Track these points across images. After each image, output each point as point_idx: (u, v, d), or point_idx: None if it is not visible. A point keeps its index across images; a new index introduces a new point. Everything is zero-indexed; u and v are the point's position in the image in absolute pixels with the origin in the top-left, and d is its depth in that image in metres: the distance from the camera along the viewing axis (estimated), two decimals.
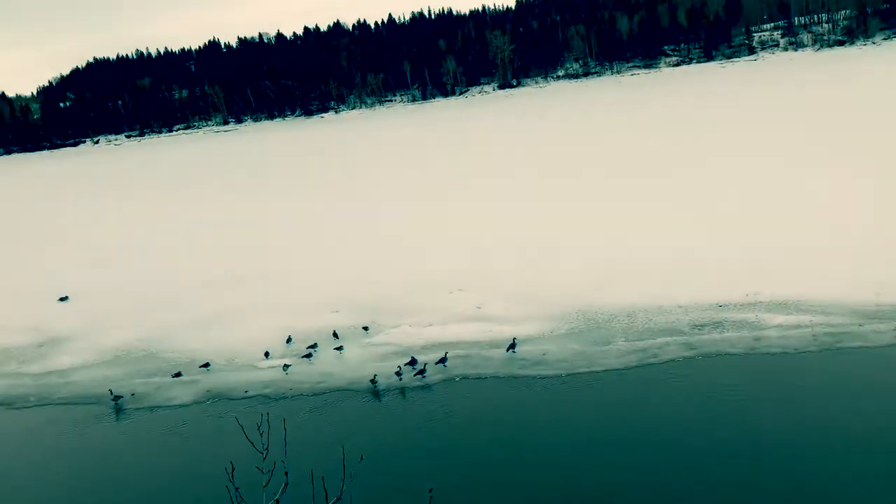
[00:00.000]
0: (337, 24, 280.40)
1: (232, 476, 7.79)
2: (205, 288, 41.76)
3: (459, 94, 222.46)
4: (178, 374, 30.95)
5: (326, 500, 7.53)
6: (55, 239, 63.55)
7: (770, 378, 25.12)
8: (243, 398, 28.21)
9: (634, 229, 43.49)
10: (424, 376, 28.33)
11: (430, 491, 8.49)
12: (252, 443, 8.09)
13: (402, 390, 27.72)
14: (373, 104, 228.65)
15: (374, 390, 27.86)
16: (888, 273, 31.87)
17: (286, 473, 7.88)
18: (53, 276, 48.40)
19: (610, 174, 62.04)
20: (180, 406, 28.57)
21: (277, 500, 7.74)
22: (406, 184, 70.78)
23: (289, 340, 32.95)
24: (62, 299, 42.66)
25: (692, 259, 36.80)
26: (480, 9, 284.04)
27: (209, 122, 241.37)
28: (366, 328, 33.55)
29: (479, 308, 34.28)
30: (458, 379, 28.06)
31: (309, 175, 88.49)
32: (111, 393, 29.58)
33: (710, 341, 28.31)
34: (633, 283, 34.58)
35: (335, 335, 32.85)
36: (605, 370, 27.21)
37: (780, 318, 29.34)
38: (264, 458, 7.85)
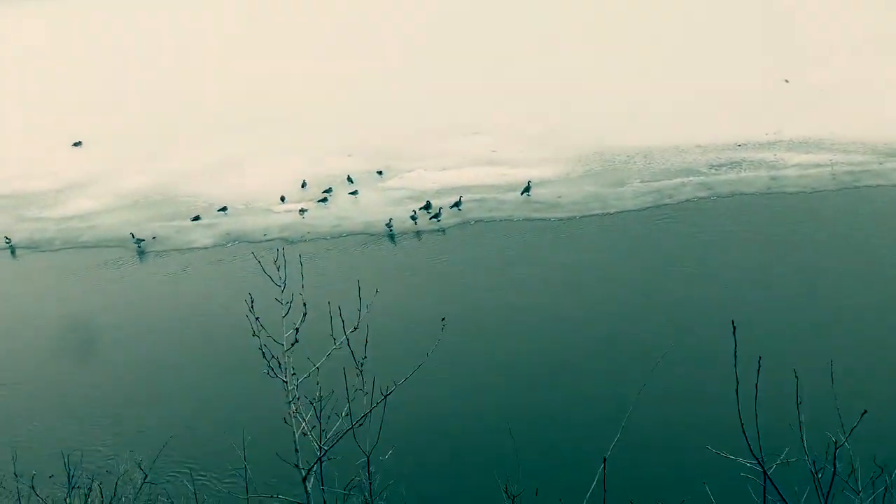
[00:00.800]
0: None
1: (252, 306, 7.95)
2: (217, 131, 41.40)
3: None
4: (196, 218, 31.43)
5: (344, 328, 7.72)
6: (61, 79, 62.56)
7: (786, 216, 25.11)
8: (262, 241, 28.78)
9: (655, 68, 41.98)
10: (439, 220, 28.60)
11: (443, 320, 8.71)
12: (270, 276, 8.19)
13: (417, 234, 28.11)
14: None
15: (390, 234, 28.26)
16: None
17: (304, 304, 8.00)
18: (64, 120, 48.03)
19: (632, 6, 59.03)
20: (200, 248, 29.29)
21: (297, 329, 7.93)
22: (420, 20, 67.96)
23: (304, 185, 33.06)
24: (76, 144, 42.62)
25: (713, 98, 35.74)
26: None
27: None
28: (380, 172, 33.49)
29: (494, 151, 33.95)
30: (472, 222, 28.33)
31: (315, 10, 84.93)
32: (133, 236, 30.23)
33: (726, 181, 28.11)
34: (652, 123, 33.84)
35: (350, 179, 32.87)
36: (620, 211, 27.30)
37: (799, 157, 28.90)
38: (282, 291, 7.99)
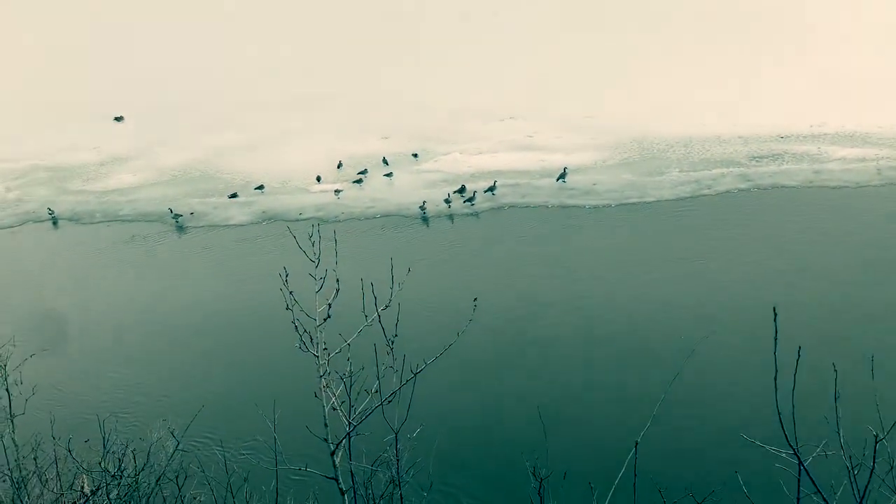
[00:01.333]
0: None
1: (286, 281, 8.00)
2: (255, 109, 41.72)
3: None
4: (233, 195, 31.78)
5: (376, 305, 7.73)
6: (103, 53, 63.41)
7: (827, 210, 24.56)
8: (297, 220, 29.00)
9: (697, 56, 41.18)
10: (473, 204, 28.52)
11: (475, 300, 8.69)
12: (304, 251, 8.23)
13: (451, 217, 28.08)
14: None
15: (423, 216, 28.28)
16: None
17: (337, 280, 8.03)
18: (106, 95, 48.75)
19: None
20: (237, 225, 29.64)
21: (329, 305, 7.97)
22: (457, 2, 67.50)
23: (339, 165, 33.21)
24: (117, 119, 43.31)
25: (758, 87, 34.98)
26: None
27: None
28: (415, 155, 33.47)
29: (531, 136, 33.70)
30: (506, 207, 28.21)
31: None
32: (171, 211, 30.69)
33: (767, 173, 27.55)
34: (694, 111, 33.24)
35: (385, 161, 32.93)
36: (657, 200, 26.93)
37: (843, 151, 28.19)
38: (316, 267, 8.02)
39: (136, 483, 8.28)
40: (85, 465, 8.90)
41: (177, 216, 30.43)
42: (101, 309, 24.47)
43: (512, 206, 28.18)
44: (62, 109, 46.15)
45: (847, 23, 43.39)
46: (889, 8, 45.25)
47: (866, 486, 5.29)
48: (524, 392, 17.15)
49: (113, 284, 26.16)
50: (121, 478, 8.15)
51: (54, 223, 32.11)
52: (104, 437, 8.46)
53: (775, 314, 4.89)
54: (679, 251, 23.24)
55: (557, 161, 30.56)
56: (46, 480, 9.07)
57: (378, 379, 7.40)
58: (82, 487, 9.25)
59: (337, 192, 30.87)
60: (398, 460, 7.41)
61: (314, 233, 8.35)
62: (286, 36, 64.84)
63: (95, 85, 52.74)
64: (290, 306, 7.66)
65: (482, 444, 16.05)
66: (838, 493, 5.45)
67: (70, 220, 32.23)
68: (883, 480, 5.72)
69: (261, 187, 32.06)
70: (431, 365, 7.70)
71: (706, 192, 27.00)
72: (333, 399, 7.61)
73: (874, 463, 5.20)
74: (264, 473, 8.64)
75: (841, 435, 5.52)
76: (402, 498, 7.37)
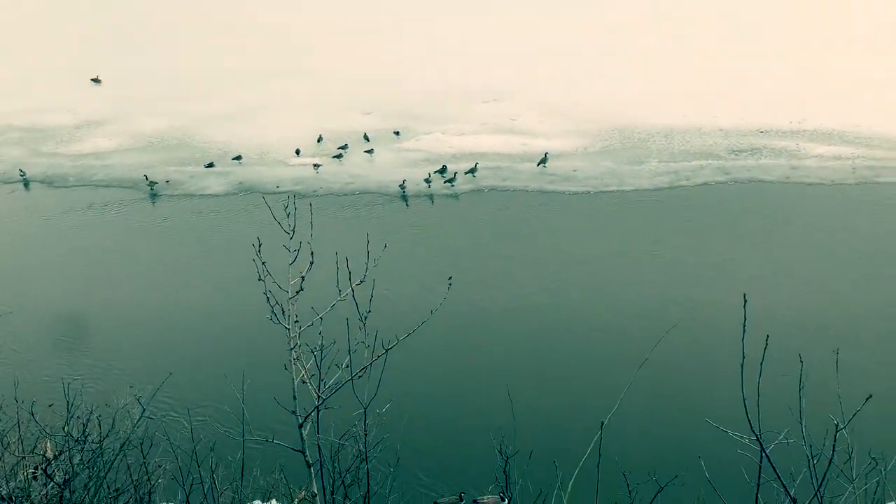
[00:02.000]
0: None
1: (259, 251, 7.90)
2: (235, 80, 41.18)
3: None
4: (210, 165, 31.39)
5: (350, 280, 7.67)
6: (81, 14, 62.12)
7: (801, 206, 24.84)
8: (274, 192, 28.74)
9: (684, 48, 41.30)
10: (453, 185, 28.45)
11: (450, 279, 8.66)
12: (279, 223, 8.12)
13: (431, 197, 28.00)
14: None
15: (403, 195, 28.16)
16: None
17: (312, 254, 7.94)
18: (82, 57, 47.83)
19: None
20: (213, 195, 29.31)
21: (303, 278, 7.89)
22: None
23: (319, 140, 32.91)
24: (94, 80, 42.48)
25: (741, 81, 35.16)
26: None
27: None
28: (397, 133, 33.28)
29: (514, 120, 33.64)
30: (486, 190, 28.19)
31: None
32: (146, 178, 30.26)
33: (745, 167, 27.80)
34: (676, 102, 33.39)
35: (366, 138, 32.69)
36: (635, 189, 27.07)
37: (821, 149, 28.50)
38: (291, 238, 7.94)
39: (101, 448, 8.18)
40: (48, 430, 8.78)
41: (152, 183, 30.01)
42: (68, 274, 24.12)
43: (492, 189, 28.17)
44: (37, 69, 45.18)
45: (831, 23, 43.72)
46: (872, 10, 45.66)
47: (825, 474, 5.39)
48: (493, 372, 17.26)
49: (83, 250, 25.77)
50: (84, 443, 8.05)
51: (26, 185, 31.52)
52: (68, 402, 8.35)
53: (745, 301, 4.94)
54: (654, 240, 23.41)
55: (539, 146, 30.57)
56: (8, 444, 8.94)
57: (349, 354, 7.36)
58: (45, 451, 9.13)
59: (316, 166, 30.61)
60: (366, 435, 7.41)
61: (290, 204, 8.25)
62: (270, 5, 63.94)
63: (72, 46, 51.67)
64: (262, 277, 7.58)
65: (450, 421, 16.15)
66: (797, 481, 5.54)
67: (42, 182, 31.65)
68: (841, 470, 5.83)
69: (238, 158, 31.71)
70: (403, 342, 7.69)
71: (684, 183, 27.19)
72: (303, 372, 7.57)
73: (833, 451, 5.29)
74: (231, 443, 8.60)
75: (803, 424, 5.60)
76: (368, 472, 7.38)
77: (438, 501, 14.47)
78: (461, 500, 14.35)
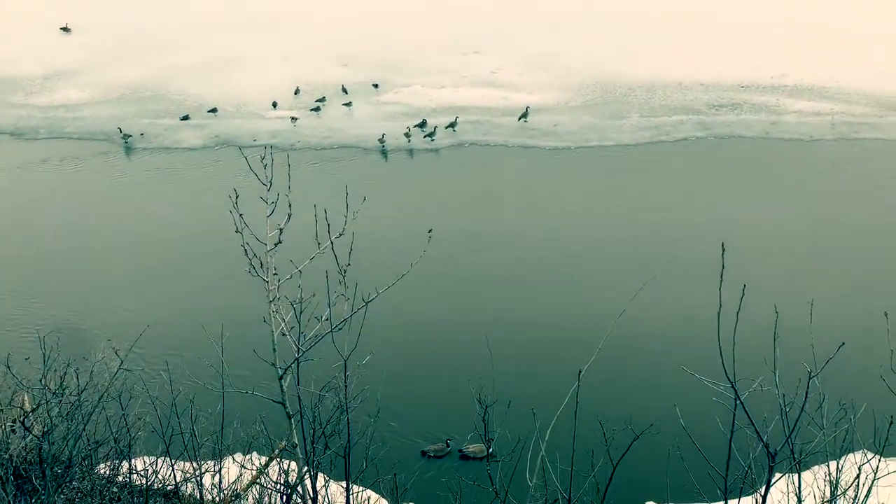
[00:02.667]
0: None
1: (236, 203, 7.81)
2: (211, 29, 40.11)
3: None
4: (185, 118, 30.81)
5: (329, 233, 7.63)
6: None
7: (780, 162, 24.99)
8: (251, 146, 28.32)
9: (666, 2, 40.77)
10: (433, 139, 28.21)
11: (430, 231, 8.64)
12: (256, 174, 8.02)
13: (410, 151, 27.79)
14: None
15: (382, 149, 27.90)
16: None
17: (290, 206, 7.87)
18: (50, 4, 46.24)
19: None
20: (188, 149, 28.86)
21: (281, 230, 7.83)
22: None
23: (297, 92, 32.38)
24: (64, 29, 41.22)
25: (724, 34, 34.89)
26: None
27: None
28: (376, 85, 32.79)
29: (494, 73, 33.26)
30: (466, 144, 28.02)
31: None
32: (120, 131, 29.66)
33: (725, 122, 27.84)
34: (659, 56, 33.10)
35: (344, 90, 32.20)
36: (616, 145, 27.05)
37: (801, 104, 28.57)
38: (268, 190, 7.84)
39: (79, 401, 8.16)
40: (25, 383, 8.73)
41: (126, 136, 29.44)
42: (42, 226, 23.78)
43: (473, 144, 28.01)
44: (2, 17, 43.66)
45: None
46: None
47: (796, 422, 5.50)
48: (472, 322, 17.39)
49: (56, 202, 25.36)
50: (62, 395, 8.02)
51: None
52: (45, 355, 8.29)
53: (723, 250, 4.96)
54: (633, 194, 23.51)
55: (520, 100, 30.32)
56: None
57: (329, 306, 7.36)
58: (22, 404, 9.11)
59: (293, 119, 30.17)
60: (346, 387, 7.45)
61: (266, 155, 8.12)
62: None
63: None
64: (239, 229, 7.50)
65: (430, 372, 16.32)
66: (770, 428, 5.66)
67: (11, 134, 30.90)
68: (812, 418, 5.96)
69: (214, 110, 31.15)
70: (383, 294, 7.69)
71: (664, 138, 27.20)
72: (283, 325, 7.57)
73: (806, 399, 5.40)
74: (210, 396, 8.61)
75: (776, 373, 5.70)
76: (349, 423, 7.44)
77: (425, 449, 14.70)
78: (448, 447, 14.59)
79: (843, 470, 6.28)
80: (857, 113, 27.63)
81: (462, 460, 14.44)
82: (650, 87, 30.80)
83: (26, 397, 9.39)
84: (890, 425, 5.87)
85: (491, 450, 13.72)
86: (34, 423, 8.54)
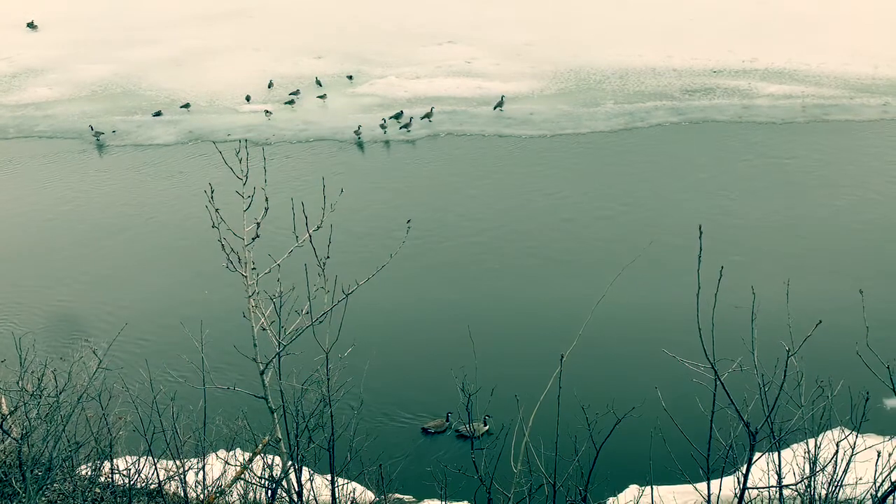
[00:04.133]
0: None
1: (211, 198, 7.71)
2: (181, 24, 39.64)
3: None
4: (158, 114, 30.44)
5: (307, 226, 7.57)
6: None
7: (754, 146, 25.25)
8: (226, 140, 28.05)
9: None
10: (409, 130, 28.11)
11: (408, 222, 8.62)
12: (231, 168, 7.91)
13: (387, 143, 27.68)
14: None
15: (358, 141, 27.77)
16: (889, 45, 30.87)
17: (266, 199, 7.78)
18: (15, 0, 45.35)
19: None
20: (162, 145, 28.51)
21: (258, 224, 7.75)
22: None
23: (270, 85, 32.10)
24: (30, 26, 40.46)
25: (695, 20, 35.11)
26: None
27: None
28: (350, 77, 32.62)
29: (469, 63, 33.21)
30: (442, 135, 27.97)
31: None
32: (92, 129, 29.22)
33: (698, 107, 28.06)
34: (631, 42, 33.26)
35: (318, 83, 31.99)
36: (591, 132, 27.15)
37: (772, 88, 28.85)
38: (244, 184, 7.75)
39: (58, 402, 8.05)
40: (1, 385, 8.60)
41: (98, 134, 29.02)
42: (16, 225, 23.41)
43: (449, 134, 27.96)
44: None
45: None
46: None
47: (776, 400, 5.58)
48: (454, 311, 17.41)
49: (30, 201, 24.95)
50: (41, 397, 7.91)
51: None
52: (21, 357, 8.16)
53: (700, 232, 5.00)
54: (608, 179, 23.65)
55: (495, 89, 30.31)
56: None
57: (309, 300, 7.31)
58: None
59: (267, 112, 29.92)
60: (328, 380, 7.41)
61: (240, 149, 8.04)
62: None
63: None
64: (216, 224, 7.41)
65: (412, 362, 16.30)
66: (750, 407, 5.73)
67: None
68: (790, 397, 6.05)
69: (187, 105, 30.79)
70: (362, 287, 7.65)
71: (639, 124, 27.35)
72: (263, 319, 7.51)
73: (784, 377, 5.47)
74: (192, 393, 8.54)
75: (755, 353, 5.77)
76: (332, 416, 7.41)
77: (426, 426, 14.66)
78: (448, 422, 14.55)
79: (822, 447, 6.38)
80: (827, 95, 27.98)
81: (459, 439, 14.50)
82: (624, 73, 30.94)
83: (3, 399, 9.26)
84: (866, 401, 5.97)
85: (487, 427, 13.72)
86: (12, 425, 8.41)
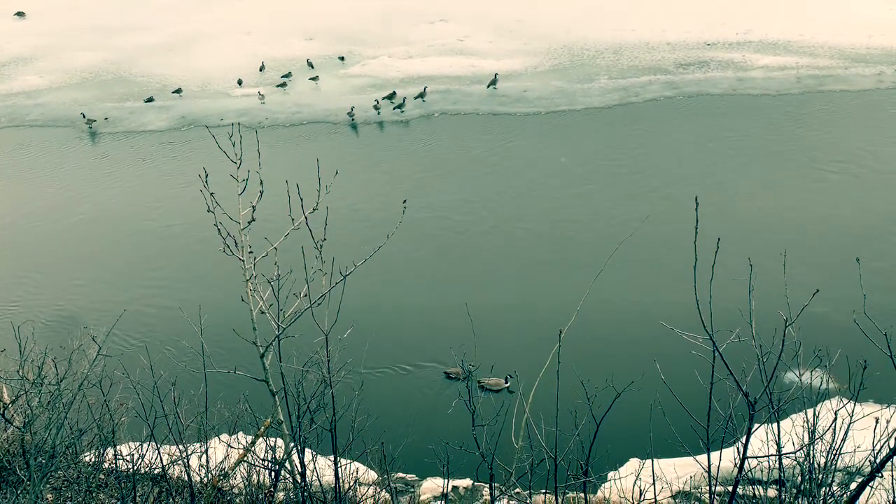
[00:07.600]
0: None
1: (206, 182, 7.68)
2: (170, 9, 39.27)
3: None
4: (150, 100, 30.24)
5: (303, 207, 7.55)
6: None
7: (749, 119, 25.14)
8: (219, 125, 27.87)
9: None
10: (403, 111, 27.96)
11: (405, 202, 8.59)
12: (225, 152, 7.88)
13: (380, 124, 27.53)
14: None
15: (351, 123, 27.63)
16: (883, 14, 30.69)
17: (261, 183, 7.77)
18: None
19: None
20: (155, 131, 28.35)
21: (253, 206, 7.73)
22: None
23: (262, 68, 31.88)
24: (19, 14, 40.07)
25: None
26: None
27: None
28: (342, 58, 32.39)
29: (462, 41, 32.97)
30: (436, 115, 27.81)
31: None
32: (84, 116, 29.04)
33: (693, 81, 27.91)
34: (624, 16, 33.03)
35: (310, 64, 31.76)
36: (586, 108, 27.02)
37: (766, 59, 28.71)
38: (238, 168, 7.72)
39: (59, 390, 8.06)
40: (2, 374, 8.60)
41: (90, 121, 28.84)
42: (11, 214, 23.33)
43: (443, 114, 27.81)
44: None
45: None
46: None
47: (774, 370, 5.61)
48: (452, 290, 17.42)
49: (25, 190, 24.86)
50: (42, 385, 7.92)
51: None
52: (20, 345, 8.16)
53: (696, 204, 5.00)
54: (605, 155, 23.58)
55: (488, 67, 30.12)
56: None
57: (307, 282, 7.31)
58: (1, 396, 8.99)
59: (260, 96, 29.74)
60: (328, 361, 7.43)
61: (234, 132, 7.99)
62: None
63: None
64: (211, 209, 7.39)
65: (412, 342, 16.29)
66: (749, 377, 5.76)
67: None
68: (788, 367, 6.08)
69: (179, 91, 30.59)
70: (361, 267, 7.64)
71: (634, 99, 27.22)
72: (261, 303, 7.50)
73: (783, 347, 5.49)
74: (192, 378, 8.55)
75: (753, 324, 5.79)
76: (333, 397, 7.44)
77: (448, 371, 14.42)
78: (507, 383, 14.11)
79: (820, 416, 6.42)
80: (821, 66, 27.84)
81: (480, 389, 14.54)
82: (617, 48, 30.74)
83: (4, 388, 9.27)
84: (864, 370, 5.99)
85: (508, 385, 13.58)
86: (14, 414, 8.44)
